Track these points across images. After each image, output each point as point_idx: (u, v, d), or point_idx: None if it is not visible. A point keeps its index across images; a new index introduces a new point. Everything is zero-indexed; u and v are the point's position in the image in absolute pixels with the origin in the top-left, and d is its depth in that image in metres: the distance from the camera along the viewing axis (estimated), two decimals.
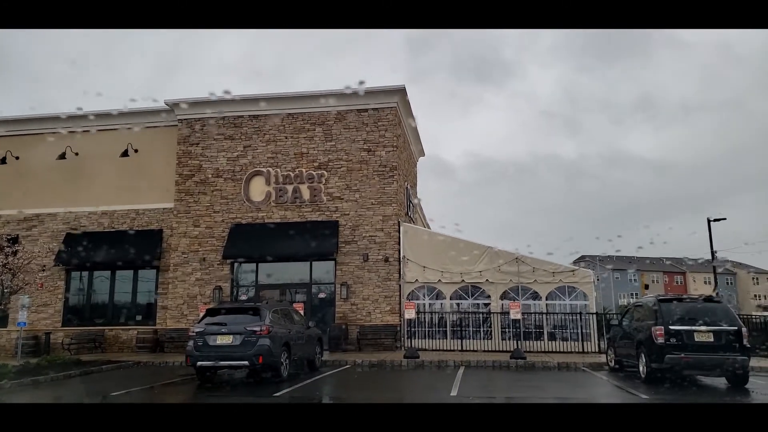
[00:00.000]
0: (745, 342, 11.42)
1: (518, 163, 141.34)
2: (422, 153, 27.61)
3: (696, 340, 11.43)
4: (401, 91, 20.59)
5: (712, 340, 11.42)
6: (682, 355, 11.32)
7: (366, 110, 20.60)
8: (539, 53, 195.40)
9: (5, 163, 21.77)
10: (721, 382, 12.31)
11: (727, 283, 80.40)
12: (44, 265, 18.55)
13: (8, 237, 17.22)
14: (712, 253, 31.14)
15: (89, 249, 20.57)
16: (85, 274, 21.73)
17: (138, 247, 20.64)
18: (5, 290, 15.46)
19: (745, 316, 20.08)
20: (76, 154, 21.60)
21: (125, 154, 21.33)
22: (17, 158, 21.91)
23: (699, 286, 75.92)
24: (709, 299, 12.89)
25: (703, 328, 11.50)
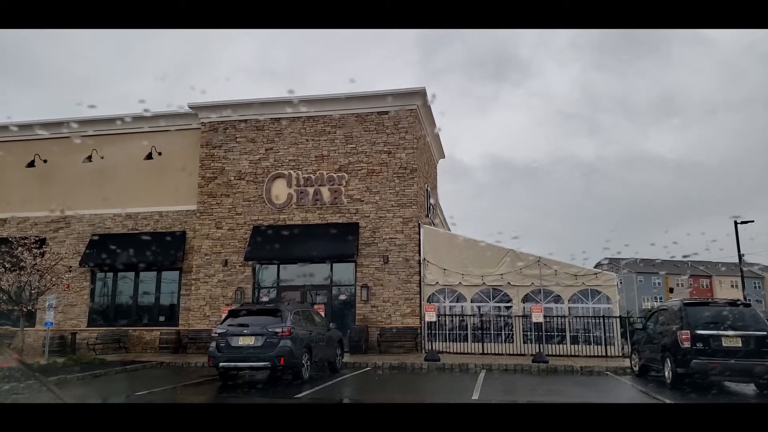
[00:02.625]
0: None
1: (536, 164, 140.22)
2: (442, 155, 27.54)
3: (723, 345, 11.18)
4: (421, 93, 20.56)
5: (740, 345, 11.16)
6: (709, 360, 11.07)
7: (386, 112, 20.61)
8: (556, 50, 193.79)
9: (34, 166, 22.24)
10: (749, 388, 12.03)
11: (755, 287, 78.69)
12: (70, 267, 18.92)
13: (36, 238, 17.56)
14: (740, 256, 30.52)
15: (114, 251, 20.89)
16: (110, 275, 22.08)
17: (161, 248, 20.94)
18: (33, 291, 15.79)
19: None
20: (102, 157, 21.98)
21: (149, 156, 21.65)
22: (45, 161, 22.37)
23: (726, 290, 74.44)
24: (736, 303, 12.61)
25: (730, 332, 11.25)
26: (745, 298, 24.39)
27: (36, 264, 15.43)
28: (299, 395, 10.90)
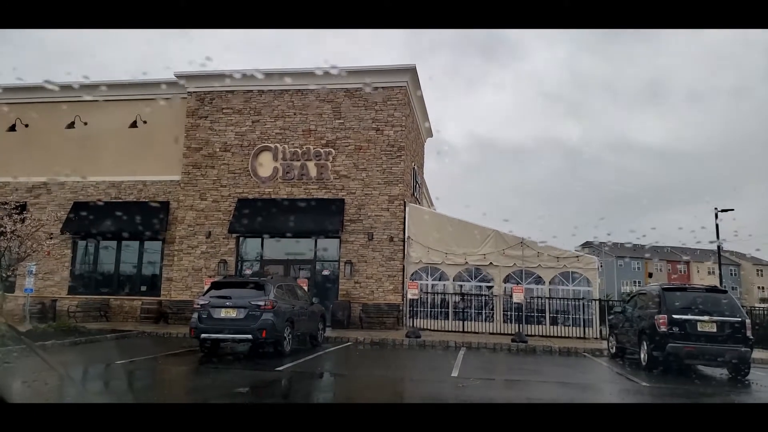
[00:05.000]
0: (748, 333, 11.41)
1: (521, 146, 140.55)
2: (430, 133, 27.46)
3: (699, 329, 11.43)
4: (411, 71, 20.40)
5: (715, 330, 11.42)
6: (685, 344, 11.33)
7: (375, 88, 20.44)
8: (544, 34, 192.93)
9: (15, 130, 21.79)
10: (722, 372, 12.35)
11: (732, 274, 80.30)
12: (51, 233, 18.66)
13: (17, 204, 17.28)
14: (719, 245, 31.04)
15: (96, 219, 20.68)
16: (92, 243, 21.88)
17: (144, 218, 20.73)
18: (13, 257, 15.59)
19: (748, 308, 20.06)
20: (85, 123, 21.60)
21: (134, 125, 21.31)
22: (26, 126, 21.92)
23: (703, 276, 75.90)
24: (713, 289, 12.87)
25: (706, 318, 11.49)
26: (721, 285, 24.88)
27: (16, 230, 15.20)
28: (280, 368, 10.96)
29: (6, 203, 16.29)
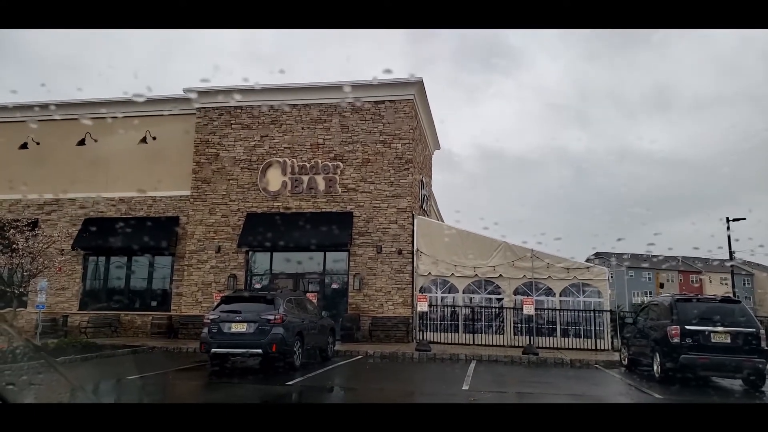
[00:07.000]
0: (763, 344, 11.27)
1: (528, 156, 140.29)
2: (438, 146, 27.51)
3: (712, 340, 11.30)
4: (418, 84, 20.49)
5: (729, 341, 11.28)
6: (698, 355, 11.20)
7: (383, 102, 20.54)
8: (547, 40, 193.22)
9: (26, 148, 22.06)
10: (736, 383, 12.17)
11: (745, 283, 79.39)
12: (63, 250, 18.78)
13: (28, 221, 17.44)
14: (731, 253, 30.76)
15: (107, 235, 20.80)
16: (102, 259, 22.02)
17: (154, 233, 20.85)
18: (25, 273, 15.70)
19: (762, 318, 19.81)
20: (96, 140, 21.83)
21: (143, 141, 21.52)
22: (38, 144, 22.19)
23: (715, 287, 75.08)
24: (727, 299, 12.73)
25: (720, 328, 11.36)
26: (734, 295, 24.61)
27: (28, 246, 15.32)
28: (290, 382, 10.94)
29: (18, 220, 16.43)
